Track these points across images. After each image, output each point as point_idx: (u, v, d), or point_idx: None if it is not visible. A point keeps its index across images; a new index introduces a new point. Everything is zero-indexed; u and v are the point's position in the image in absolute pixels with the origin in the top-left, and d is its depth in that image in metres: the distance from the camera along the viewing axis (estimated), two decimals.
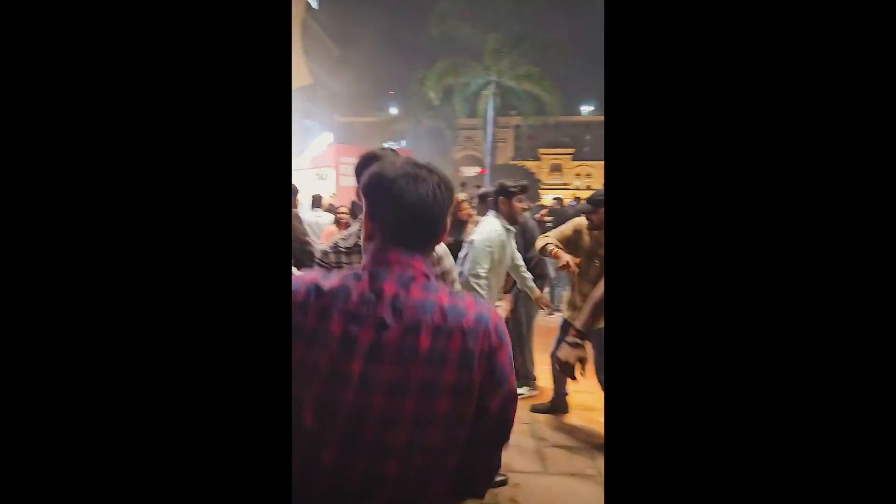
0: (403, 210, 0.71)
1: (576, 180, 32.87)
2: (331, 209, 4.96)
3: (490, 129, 16.24)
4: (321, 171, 8.19)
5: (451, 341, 0.68)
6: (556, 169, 33.62)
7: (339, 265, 1.37)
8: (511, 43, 14.75)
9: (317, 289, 0.69)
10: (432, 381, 0.67)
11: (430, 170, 0.73)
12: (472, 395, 0.69)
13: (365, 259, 0.75)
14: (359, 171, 1.29)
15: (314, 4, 18.78)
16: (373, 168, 0.75)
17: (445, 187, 0.73)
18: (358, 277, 0.71)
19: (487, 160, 16.80)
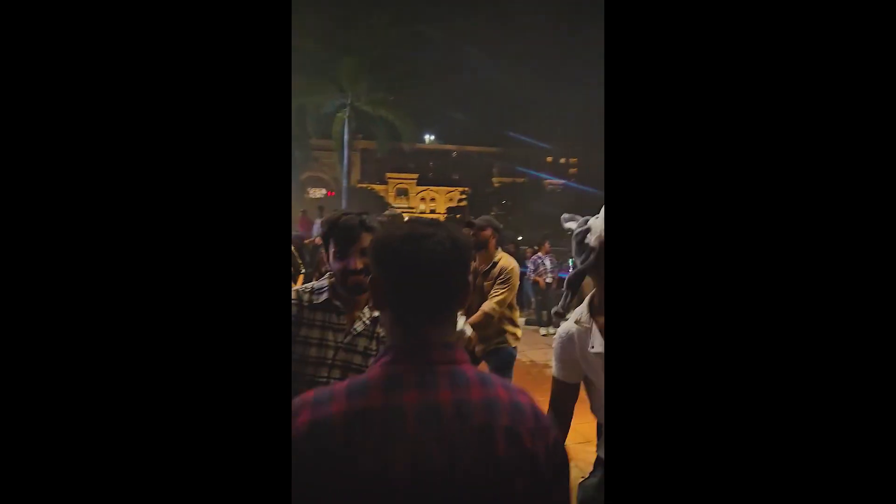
0: (413, 274, 0.61)
1: (421, 204, 35.08)
2: None
3: (346, 152, 15.87)
4: None
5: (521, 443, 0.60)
6: (403, 193, 35.77)
7: (299, 321, 1.10)
8: (367, 68, 14.60)
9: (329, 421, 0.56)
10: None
11: (438, 225, 0.66)
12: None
13: (389, 350, 0.63)
14: (327, 233, 1.20)
15: None
16: (375, 236, 0.69)
17: (456, 243, 0.63)
18: (399, 382, 0.59)
19: (343, 183, 16.53)
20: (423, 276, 0.61)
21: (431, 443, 0.56)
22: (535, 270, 6.74)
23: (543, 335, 6.26)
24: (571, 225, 1.31)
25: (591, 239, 1.20)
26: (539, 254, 7.04)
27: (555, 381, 1.26)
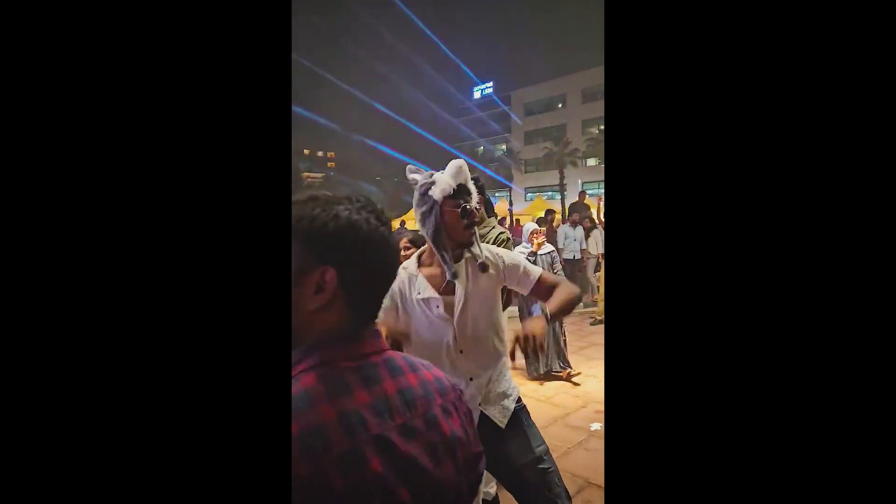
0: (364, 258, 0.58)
1: None
2: None
3: None
4: None
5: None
6: None
7: None
8: None
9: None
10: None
11: (351, 198, 0.61)
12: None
13: (312, 350, 0.58)
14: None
15: None
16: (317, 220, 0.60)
17: (382, 221, 0.61)
18: (345, 387, 0.55)
19: None
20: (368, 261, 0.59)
21: (394, 436, 0.55)
22: None
23: None
24: (417, 177, 1.32)
25: (436, 192, 1.21)
26: None
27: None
